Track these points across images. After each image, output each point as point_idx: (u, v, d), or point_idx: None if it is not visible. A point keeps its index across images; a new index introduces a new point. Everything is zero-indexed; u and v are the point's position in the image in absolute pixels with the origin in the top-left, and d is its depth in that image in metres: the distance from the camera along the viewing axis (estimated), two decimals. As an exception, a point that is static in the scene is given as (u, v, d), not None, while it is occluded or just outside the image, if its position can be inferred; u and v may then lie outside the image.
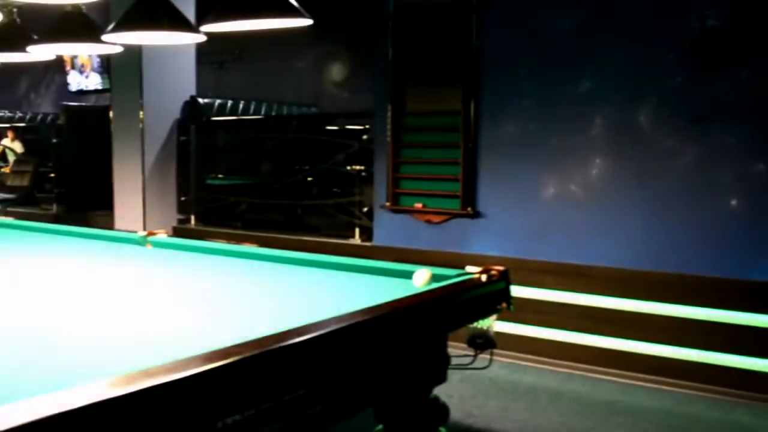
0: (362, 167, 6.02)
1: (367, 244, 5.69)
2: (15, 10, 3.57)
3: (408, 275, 2.85)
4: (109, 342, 2.03)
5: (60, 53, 4.34)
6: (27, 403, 1.34)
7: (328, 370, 2.02)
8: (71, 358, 1.88)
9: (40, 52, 3.85)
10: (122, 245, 3.80)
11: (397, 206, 5.42)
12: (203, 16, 3.14)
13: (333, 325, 2.03)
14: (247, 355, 1.72)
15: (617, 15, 4.61)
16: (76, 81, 11.96)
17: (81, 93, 12.09)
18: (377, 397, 2.46)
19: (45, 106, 14.17)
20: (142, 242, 3.75)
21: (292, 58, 10.65)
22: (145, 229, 4.12)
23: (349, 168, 6.21)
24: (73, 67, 12.03)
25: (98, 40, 3.51)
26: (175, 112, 7.19)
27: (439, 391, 2.68)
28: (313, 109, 9.62)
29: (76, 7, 3.45)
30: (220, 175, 7.41)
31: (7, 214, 7.45)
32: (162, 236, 3.77)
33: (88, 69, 11.58)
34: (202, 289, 2.85)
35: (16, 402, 1.34)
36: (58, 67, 12.20)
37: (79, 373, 1.65)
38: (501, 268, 2.80)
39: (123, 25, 3.14)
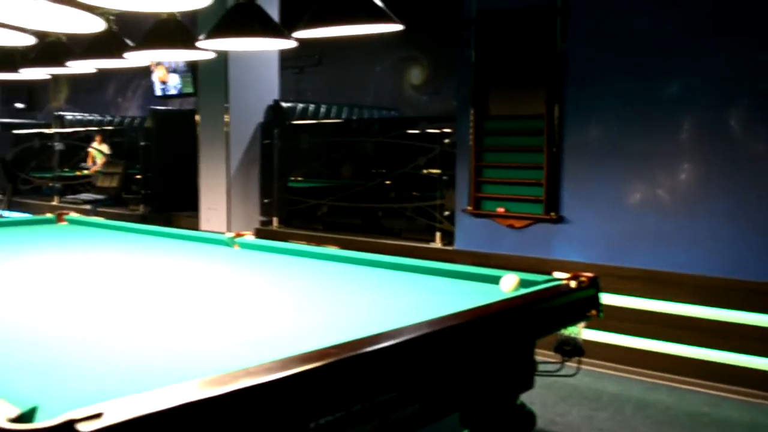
0: (443, 171, 6.02)
1: (448, 248, 5.68)
2: (112, 18, 3.69)
3: (493, 280, 2.84)
4: (206, 341, 2.08)
5: (155, 60, 4.45)
6: (133, 399, 1.38)
7: (418, 374, 2.02)
8: (169, 355, 1.93)
9: (136, 59, 3.98)
10: (211, 246, 3.88)
11: (479, 210, 5.39)
12: (284, 21, 3.19)
13: (425, 329, 2.04)
14: (343, 356, 1.74)
15: (707, 16, 4.50)
16: (161, 85, 12.29)
17: (166, 97, 12.40)
18: (464, 402, 2.45)
19: (132, 110, 14.59)
20: (230, 243, 3.83)
21: (372, 62, 10.72)
22: (229, 231, 4.20)
23: (430, 171, 6.21)
24: (159, 78, 12.37)
25: (192, 47, 3.60)
26: (258, 116, 7.32)
27: (522, 397, 2.66)
28: (393, 113, 9.66)
29: (172, 15, 3.55)
30: (301, 178, 7.51)
31: (97, 214, 7.69)
32: (249, 237, 3.83)
33: (169, 81, 11.88)
34: (290, 290, 2.88)
35: (124, 397, 1.38)
36: (144, 72, 12.54)
37: (178, 371, 1.71)
38: (590, 274, 2.76)
39: (218, 32, 3.22)
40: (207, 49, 3.53)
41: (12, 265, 3.39)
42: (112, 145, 10.79)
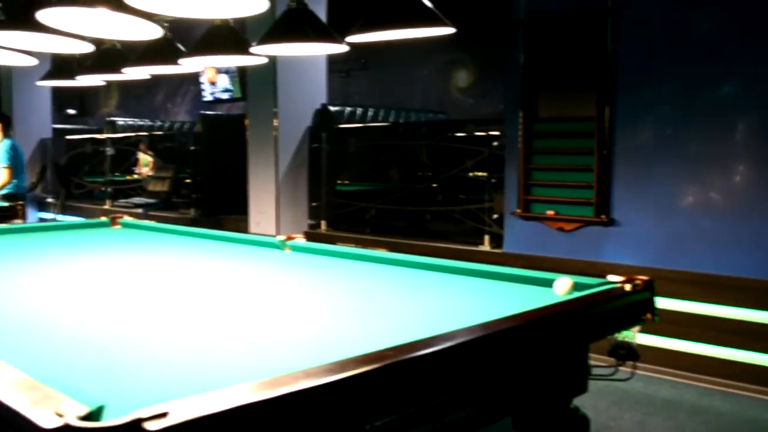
0: (491, 174, 6.00)
1: (497, 251, 5.66)
2: (166, 24, 3.74)
3: (544, 283, 2.82)
4: (262, 343, 2.10)
5: (209, 65, 4.52)
6: (196, 399, 1.41)
7: (471, 377, 2.02)
8: (227, 357, 1.96)
9: (190, 64, 4.04)
10: (262, 249, 3.92)
11: (528, 213, 5.37)
12: (332, 24, 3.21)
13: (479, 332, 2.03)
14: (400, 358, 1.74)
15: (762, 14, 4.42)
16: (211, 87, 12.44)
17: (214, 102, 12.56)
18: (517, 405, 2.44)
19: (180, 115, 14.81)
20: (281, 246, 3.86)
21: (418, 65, 10.74)
22: (278, 234, 4.24)
23: (476, 174, 6.20)
24: (208, 78, 12.52)
25: (246, 52, 3.65)
26: (306, 120, 7.37)
27: (574, 401, 2.64)
28: (440, 116, 9.65)
29: (225, 21, 3.60)
30: (349, 182, 7.55)
31: (148, 217, 7.81)
32: (300, 240, 3.86)
33: (216, 79, 12.01)
34: (343, 292, 2.90)
35: (186, 397, 1.41)
36: (193, 78, 12.71)
37: (237, 372, 1.73)
38: (645, 277, 2.73)
39: (270, 37, 3.25)
40: (260, 54, 3.57)
41: (72, 268, 3.47)
42: (162, 150, 10.96)
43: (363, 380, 1.64)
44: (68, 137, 12.43)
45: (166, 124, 13.07)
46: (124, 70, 4.33)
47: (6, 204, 7.19)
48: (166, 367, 1.86)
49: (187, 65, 4.00)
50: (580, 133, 5.11)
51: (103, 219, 5.12)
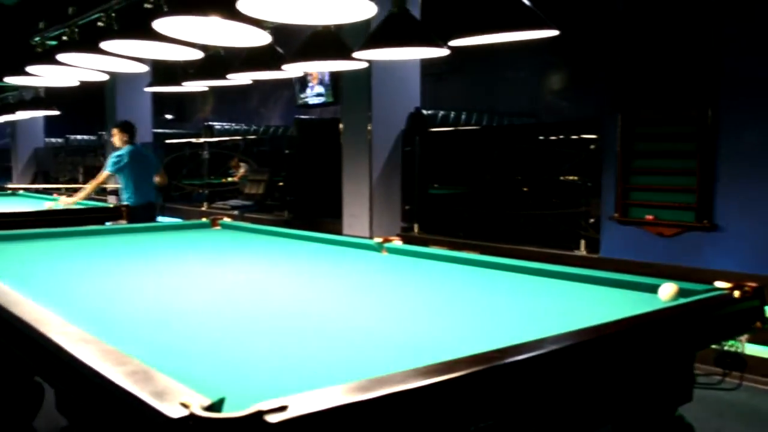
0: (585, 177, 5.92)
1: (594, 255, 5.58)
2: (268, 30, 3.83)
3: (647, 288, 2.77)
4: (369, 343, 2.14)
5: (311, 70, 4.62)
6: (314, 394, 1.45)
7: (577, 381, 2.01)
8: (337, 354, 2.00)
9: (293, 70, 4.14)
10: (359, 251, 3.97)
11: (626, 218, 5.27)
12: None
13: (586, 336, 2.02)
14: (507, 360, 1.75)
15: None
16: (302, 96, 12.66)
17: (306, 106, 12.76)
18: (620, 412, 2.41)
19: (273, 119, 15.10)
20: (378, 248, 3.90)
21: (510, 68, 10.66)
22: (371, 236, 4.28)
23: (568, 178, 6.12)
24: (300, 83, 12.73)
25: (347, 57, 3.70)
26: (400, 124, 7.42)
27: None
28: (533, 119, 9.56)
29: (327, 27, 3.67)
30: (440, 185, 7.56)
31: (243, 219, 8.00)
32: (398, 242, 3.89)
33: (315, 82, 12.20)
34: (442, 294, 2.91)
35: (303, 392, 1.45)
36: (286, 83, 12.94)
37: (346, 370, 1.78)
38: (754, 284, 2.65)
39: (373, 42, 3.30)
40: (361, 59, 3.62)
41: (182, 267, 3.62)
42: (256, 154, 11.21)
43: (471, 381, 1.66)
44: (167, 141, 12.83)
45: (261, 128, 13.34)
46: (228, 76, 4.45)
47: (111, 205, 7.48)
48: (278, 363, 1.92)
49: (290, 71, 4.09)
50: (681, 135, 4.99)
51: (204, 220, 5.27)
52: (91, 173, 13.96)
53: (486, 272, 3.30)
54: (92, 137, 16.44)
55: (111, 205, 7.34)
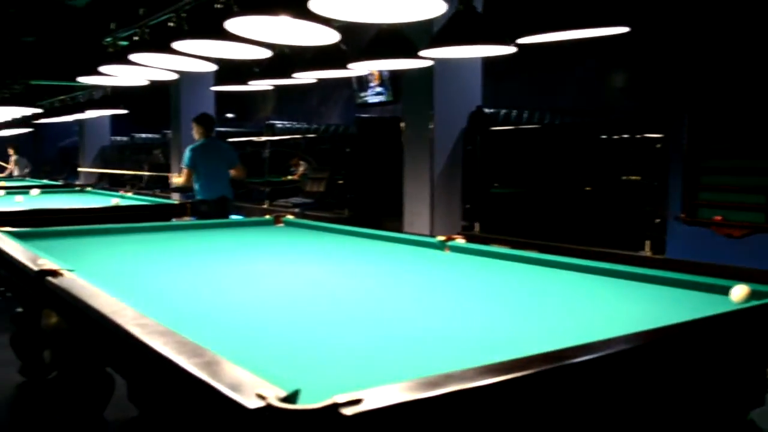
0: (650, 177, 5.82)
1: (658, 256, 5.49)
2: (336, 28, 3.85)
3: (717, 290, 2.72)
4: (439, 339, 2.15)
5: (376, 69, 4.64)
6: (388, 388, 1.47)
7: (643, 385, 1.98)
8: (408, 349, 2.02)
9: (359, 68, 4.17)
10: (422, 248, 3.98)
11: (693, 218, 5.17)
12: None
13: (654, 337, 2.00)
14: (581, 358, 1.75)
15: None
16: (362, 95, 12.73)
17: (366, 105, 12.82)
18: (690, 417, 2.37)
19: (333, 118, 15.18)
20: (440, 246, 3.91)
21: (573, 66, 10.53)
22: (432, 235, 4.29)
23: (634, 178, 6.03)
24: (360, 82, 12.80)
25: (413, 56, 3.72)
26: (461, 122, 7.40)
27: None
28: (596, 118, 9.42)
29: (393, 26, 3.68)
30: (502, 184, 7.52)
31: (304, 217, 8.07)
32: (460, 241, 3.89)
33: (375, 81, 12.26)
34: (505, 292, 2.90)
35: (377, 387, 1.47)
36: (346, 82, 13.03)
37: (418, 365, 1.78)
38: (833, 287, 2.58)
39: (439, 40, 3.31)
40: (428, 57, 3.63)
41: (250, 262, 3.69)
42: (316, 152, 11.31)
43: (543, 378, 1.66)
44: (229, 140, 13.00)
45: (322, 127, 13.45)
46: (294, 74, 4.50)
47: (175, 202, 7.63)
48: (347, 358, 1.95)
49: (356, 70, 4.12)
50: (751, 134, 4.87)
51: (268, 217, 5.35)
52: (154, 170, 14.25)
53: (550, 271, 3.28)
54: (156, 135, 16.77)
55: (176, 202, 7.48)
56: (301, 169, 11.20)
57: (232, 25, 2.87)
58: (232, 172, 7.77)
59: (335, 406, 1.35)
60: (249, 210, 10.42)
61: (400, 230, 7.50)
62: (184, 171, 7.61)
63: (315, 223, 5.13)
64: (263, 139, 11.74)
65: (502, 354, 1.73)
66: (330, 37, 3.12)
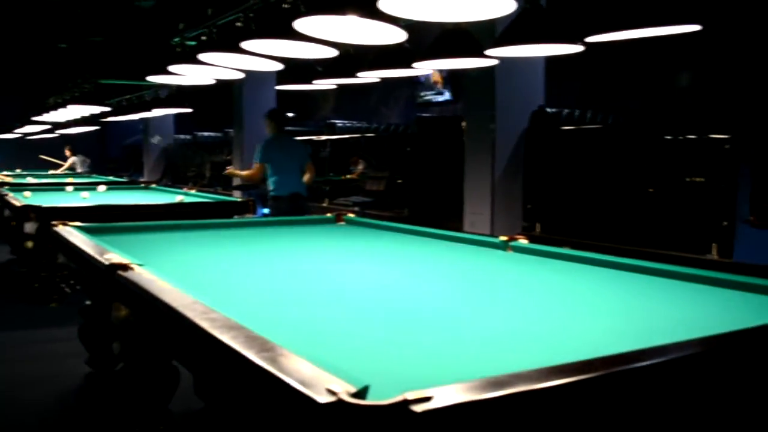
0: (718, 179, 5.69)
1: (726, 260, 5.36)
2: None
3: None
4: (506, 338, 2.15)
5: (442, 68, 4.64)
6: (457, 386, 1.47)
7: (714, 391, 1.94)
8: (465, 350, 2.02)
9: (424, 68, 4.17)
10: (485, 248, 3.97)
11: (763, 221, 5.04)
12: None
13: (726, 342, 1.96)
14: (648, 362, 1.72)
15: None
16: (423, 94, 12.73)
17: (426, 105, 12.82)
18: (756, 426, 2.31)
19: (393, 117, 15.20)
20: (503, 246, 3.89)
21: (637, 65, 10.35)
22: (492, 235, 4.27)
23: (700, 179, 5.90)
24: (421, 81, 12.80)
25: (479, 55, 3.70)
26: (523, 122, 7.34)
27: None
28: (659, 118, 9.25)
29: (458, 25, 3.67)
30: (564, 184, 7.43)
31: (364, 215, 8.10)
32: (523, 241, 3.87)
33: (437, 81, 12.25)
34: (572, 294, 2.87)
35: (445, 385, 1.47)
36: (406, 81, 13.04)
37: (476, 366, 1.80)
38: None
39: (506, 39, 3.29)
40: (494, 56, 3.61)
41: (313, 260, 3.75)
42: (377, 151, 11.35)
43: (610, 381, 1.64)
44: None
45: (382, 126, 13.48)
46: (359, 74, 4.52)
47: (238, 199, 7.74)
48: (413, 356, 1.95)
49: (421, 69, 4.13)
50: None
51: (329, 215, 5.39)
52: (217, 168, 14.48)
53: (614, 273, 3.23)
54: (218, 134, 17.03)
55: (238, 200, 7.59)
56: (360, 167, 11.25)
57: (300, 24, 2.90)
58: (305, 176, 7.67)
59: (405, 403, 1.36)
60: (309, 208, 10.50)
61: (460, 230, 7.48)
62: (255, 165, 7.59)
63: (376, 221, 5.15)
64: (323, 138, 11.82)
65: (567, 356, 1.71)
66: (397, 36, 3.12)
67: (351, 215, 5.38)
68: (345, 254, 3.98)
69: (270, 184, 7.61)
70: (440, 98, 12.38)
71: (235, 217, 6.67)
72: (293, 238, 4.52)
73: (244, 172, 7.88)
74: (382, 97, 15.82)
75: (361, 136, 12.04)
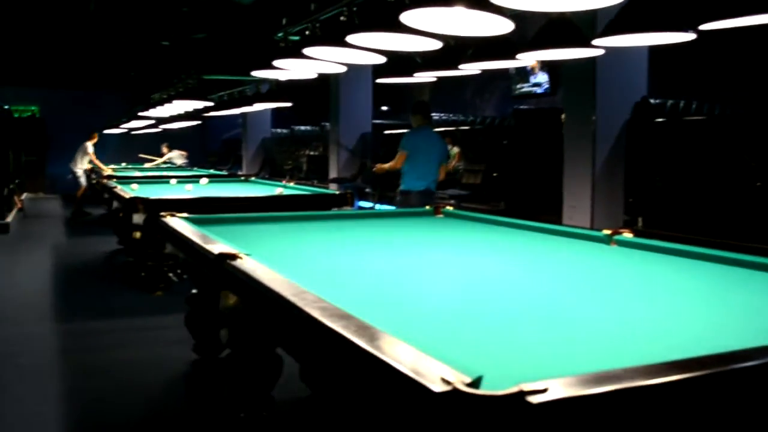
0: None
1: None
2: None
3: None
4: (615, 332, 2.11)
5: (546, 59, 4.58)
6: (572, 379, 1.47)
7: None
8: (573, 343, 2.00)
9: (528, 59, 4.13)
10: (587, 242, 3.90)
11: None
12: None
13: None
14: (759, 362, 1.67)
15: None
16: (519, 86, 12.59)
17: (522, 97, 12.67)
18: None
19: (488, 110, 15.10)
20: (606, 240, 3.82)
21: (743, 53, 9.96)
22: (592, 229, 4.20)
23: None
24: (517, 73, 12.66)
25: (585, 45, 3.64)
26: (625, 114, 7.17)
27: None
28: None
29: (562, 15, 3.61)
30: (667, 177, 7.23)
31: (460, 208, 8.07)
32: (628, 235, 3.79)
33: (533, 73, 12.10)
34: (682, 290, 2.79)
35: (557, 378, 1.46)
36: (501, 74, 12.91)
37: (585, 360, 1.79)
38: None
39: (614, 29, 3.21)
40: (600, 46, 3.54)
41: (417, 251, 3.77)
42: (473, 144, 11.30)
43: (716, 380, 1.60)
44: (386, 132, 13.21)
45: (477, 119, 13.41)
46: (461, 66, 4.51)
47: (336, 192, 7.85)
48: (521, 348, 1.95)
49: (524, 60, 4.09)
50: None
51: (428, 208, 5.41)
52: (313, 162, 14.69)
53: (722, 269, 3.11)
54: (315, 128, 17.27)
55: (336, 192, 7.69)
56: (454, 162, 11.22)
57: (407, 17, 2.91)
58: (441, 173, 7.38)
59: (521, 394, 1.35)
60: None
61: (558, 223, 7.37)
62: (400, 154, 7.25)
63: (475, 214, 5.14)
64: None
65: (675, 352, 1.68)
66: (504, 26, 3.10)
67: (449, 208, 5.37)
68: (446, 246, 3.99)
69: (403, 177, 7.31)
70: (537, 90, 12.21)
71: (334, 209, 6.75)
72: (393, 230, 4.55)
73: (388, 165, 7.55)
74: (477, 89, 15.74)
75: (456, 129, 11.99)
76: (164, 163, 17.73)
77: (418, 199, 7.01)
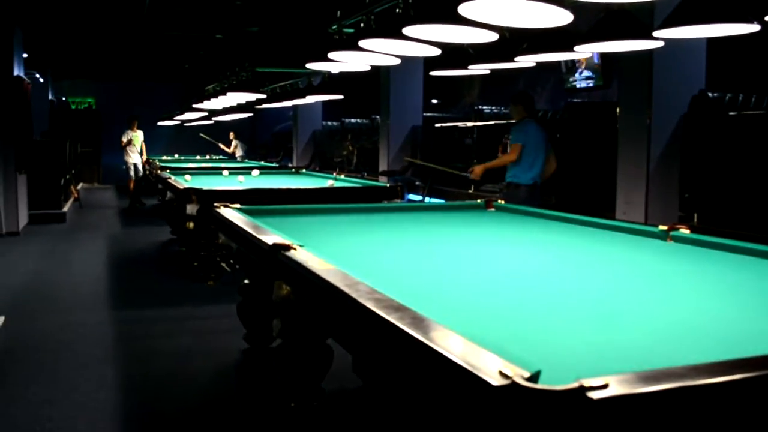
0: None
1: None
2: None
3: None
4: (679, 331, 2.08)
5: (605, 51, 4.51)
6: (632, 376, 1.44)
7: None
8: (631, 340, 1.97)
9: (585, 50, 4.08)
10: (643, 238, 3.84)
11: None
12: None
13: None
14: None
15: None
16: (570, 79, 12.40)
17: (574, 90, 12.48)
18: None
19: (540, 103, 14.93)
20: (663, 236, 3.76)
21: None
22: (646, 224, 4.14)
23: None
24: (569, 67, 12.49)
25: (645, 37, 3.58)
26: (682, 108, 7.02)
27: None
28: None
29: (621, 6, 3.55)
30: (726, 173, 7.07)
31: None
32: (685, 231, 3.72)
33: (584, 66, 11.93)
34: (743, 287, 2.74)
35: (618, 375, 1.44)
36: (553, 66, 12.75)
37: (644, 357, 1.78)
38: None
39: (676, 20, 3.15)
40: (662, 38, 3.47)
41: (471, 245, 3.78)
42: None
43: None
44: (436, 125, 13.16)
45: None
46: (517, 58, 4.46)
47: (386, 185, 7.85)
48: (579, 344, 1.93)
49: (582, 52, 4.03)
50: None
51: (479, 201, 5.38)
52: (363, 154, 14.72)
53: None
54: (365, 121, 17.28)
55: (387, 185, 7.70)
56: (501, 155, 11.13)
57: (465, 9, 2.89)
58: (549, 167, 7.22)
59: (582, 389, 1.34)
60: (455, 194, 10.51)
61: (611, 219, 7.26)
62: (515, 146, 7.01)
63: (526, 208, 5.10)
64: (469, 124, 11.78)
65: (737, 350, 1.66)
66: (563, 18, 3.06)
67: (501, 201, 5.34)
68: (499, 240, 3.97)
69: (511, 169, 7.12)
70: (589, 83, 12.02)
71: (385, 202, 6.76)
72: (445, 223, 4.54)
73: (493, 162, 7.36)
74: (529, 82, 15.58)
75: (507, 123, 11.88)
76: (235, 149, 18.17)
77: (527, 193, 6.92)
